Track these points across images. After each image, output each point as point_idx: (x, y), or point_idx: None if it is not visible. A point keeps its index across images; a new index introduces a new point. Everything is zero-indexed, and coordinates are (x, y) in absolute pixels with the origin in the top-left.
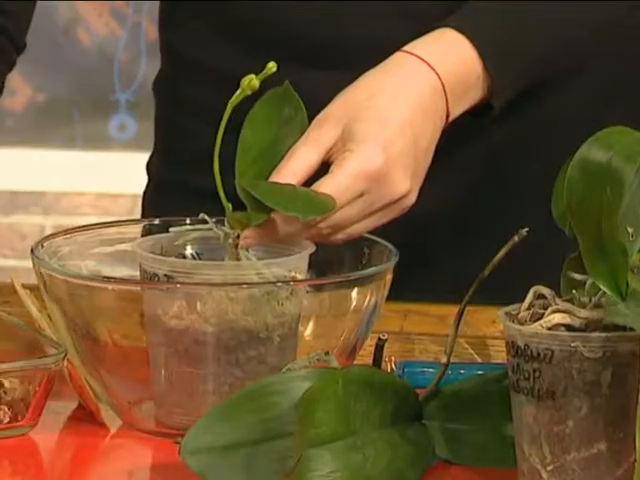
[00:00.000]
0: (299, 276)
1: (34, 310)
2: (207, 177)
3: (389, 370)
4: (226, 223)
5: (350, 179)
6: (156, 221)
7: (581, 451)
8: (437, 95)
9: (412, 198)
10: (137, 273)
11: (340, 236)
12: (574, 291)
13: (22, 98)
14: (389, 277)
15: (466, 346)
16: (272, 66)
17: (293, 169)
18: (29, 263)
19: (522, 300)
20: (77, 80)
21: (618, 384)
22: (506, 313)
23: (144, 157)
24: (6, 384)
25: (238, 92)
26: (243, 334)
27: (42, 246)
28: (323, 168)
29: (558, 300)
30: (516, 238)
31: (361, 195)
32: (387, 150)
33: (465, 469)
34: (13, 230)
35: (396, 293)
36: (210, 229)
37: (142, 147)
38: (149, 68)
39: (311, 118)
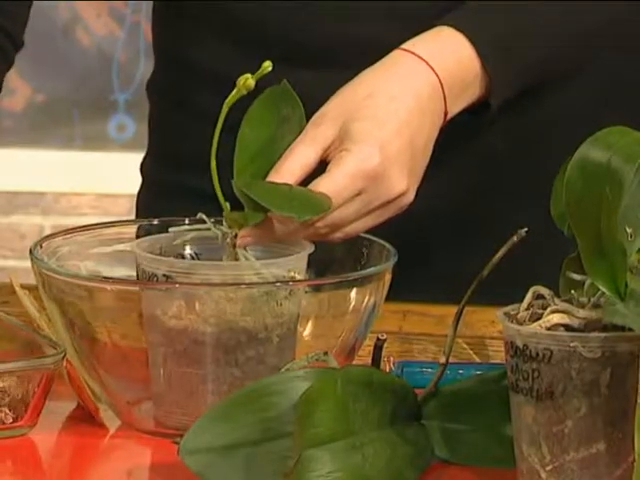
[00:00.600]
0: (298, 276)
1: (33, 310)
2: (201, 178)
3: (388, 370)
4: (224, 223)
5: (347, 178)
6: (154, 221)
7: (580, 451)
8: (435, 94)
9: (410, 197)
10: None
11: (338, 235)
12: (573, 291)
13: (21, 98)
14: (388, 277)
15: (465, 346)
16: (268, 65)
17: (291, 168)
18: (28, 263)
19: (521, 300)
20: (76, 80)
21: (617, 384)
22: (505, 313)
23: None
24: (5, 384)
25: (234, 92)
26: (242, 334)
27: (41, 246)
28: (320, 167)
29: (557, 300)
30: (515, 238)
31: (358, 194)
32: (384, 149)
33: (464, 469)
34: (12, 230)
35: (395, 293)
36: (208, 229)
37: (141, 147)
38: (148, 68)
39: (305, 119)
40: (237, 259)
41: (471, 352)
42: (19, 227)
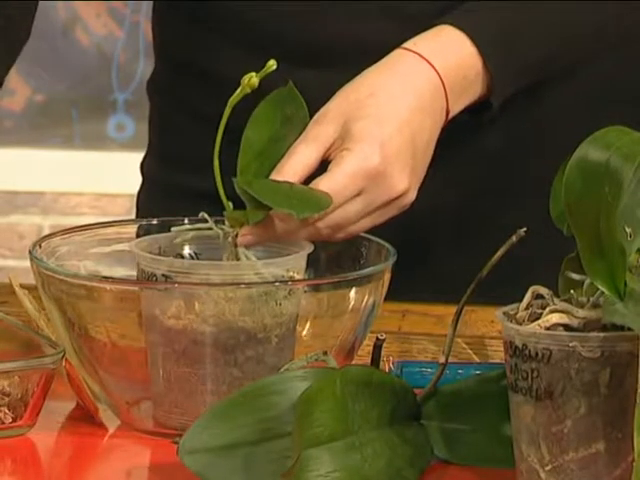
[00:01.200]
0: (297, 276)
1: (32, 310)
2: (201, 178)
3: (387, 370)
4: (226, 222)
5: (348, 178)
6: (154, 221)
7: (579, 451)
8: (437, 93)
9: (411, 196)
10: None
11: (340, 235)
12: (572, 291)
13: (20, 98)
14: (387, 277)
15: (464, 346)
16: (272, 64)
17: (294, 167)
18: (27, 263)
19: (520, 300)
20: (76, 80)
21: (616, 384)
22: (504, 313)
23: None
24: (4, 384)
25: (238, 90)
26: (241, 334)
27: (40, 246)
28: (322, 166)
29: (556, 300)
30: (514, 238)
31: (359, 194)
32: (385, 149)
33: (463, 469)
34: (11, 230)
35: (394, 293)
36: (208, 228)
37: (140, 147)
38: (147, 68)
39: (308, 119)
40: (238, 258)
41: (470, 352)
42: (18, 227)
